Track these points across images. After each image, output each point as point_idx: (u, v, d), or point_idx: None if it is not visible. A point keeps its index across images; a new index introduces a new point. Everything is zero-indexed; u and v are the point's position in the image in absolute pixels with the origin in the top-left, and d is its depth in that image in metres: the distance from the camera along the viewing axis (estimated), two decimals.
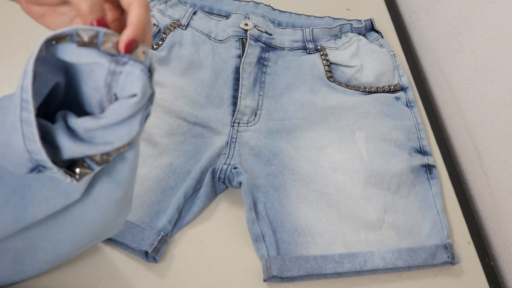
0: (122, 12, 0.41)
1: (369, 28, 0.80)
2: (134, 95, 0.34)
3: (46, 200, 0.42)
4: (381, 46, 0.78)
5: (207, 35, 0.73)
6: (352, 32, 0.78)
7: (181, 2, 0.76)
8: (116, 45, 0.35)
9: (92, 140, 0.37)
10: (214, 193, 0.61)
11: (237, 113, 0.66)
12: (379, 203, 0.61)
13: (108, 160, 0.39)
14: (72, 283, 0.53)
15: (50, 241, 0.47)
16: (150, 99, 0.36)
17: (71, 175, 0.38)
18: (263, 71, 0.72)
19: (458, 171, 0.71)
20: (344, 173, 0.63)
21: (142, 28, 0.35)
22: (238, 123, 0.66)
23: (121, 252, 0.56)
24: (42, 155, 0.35)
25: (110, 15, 0.41)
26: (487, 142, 0.67)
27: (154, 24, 0.72)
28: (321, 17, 0.79)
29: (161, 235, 0.55)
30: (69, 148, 0.37)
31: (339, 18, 0.80)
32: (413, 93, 0.75)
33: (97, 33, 0.35)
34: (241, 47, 0.72)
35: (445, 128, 0.78)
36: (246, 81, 0.69)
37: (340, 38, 0.77)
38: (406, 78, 0.75)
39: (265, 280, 0.55)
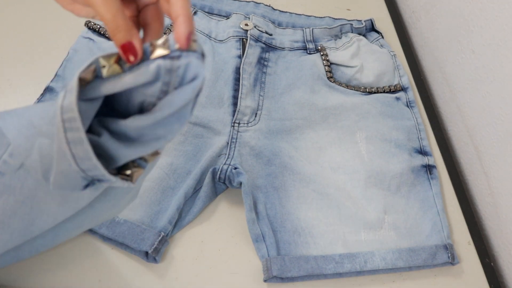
0: (137, 9, 0.41)
1: (370, 28, 0.80)
2: (193, 79, 0.33)
3: (54, 214, 0.41)
4: (381, 46, 0.78)
5: (207, 35, 0.73)
6: (352, 32, 0.78)
7: None
8: (164, 43, 0.34)
9: (142, 139, 0.35)
10: (215, 193, 0.61)
11: (238, 113, 0.66)
12: (379, 203, 0.61)
13: (157, 155, 0.38)
14: (72, 283, 0.53)
15: (53, 228, 0.46)
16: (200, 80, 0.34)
17: (126, 180, 0.37)
18: (263, 71, 0.72)
19: (458, 171, 0.71)
20: (344, 173, 0.63)
21: (191, 18, 0.35)
22: (239, 123, 0.66)
23: (121, 252, 0.56)
24: (99, 170, 0.34)
25: (128, 10, 0.41)
26: (487, 142, 0.67)
27: None
28: (321, 17, 0.79)
29: (161, 235, 0.55)
30: (124, 154, 0.36)
31: (339, 18, 0.80)
32: (414, 93, 0.75)
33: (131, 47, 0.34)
34: (241, 47, 0.72)
35: (445, 128, 0.78)
36: (246, 81, 0.69)
37: (340, 38, 0.77)
38: (407, 78, 0.75)
39: (265, 280, 0.55)
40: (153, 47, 0.34)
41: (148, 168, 0.38)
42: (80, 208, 0.41)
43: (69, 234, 0.47)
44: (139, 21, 0.41)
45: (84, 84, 0.33)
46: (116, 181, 0.36)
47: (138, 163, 0.38)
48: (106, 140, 0.35)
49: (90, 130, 0.36)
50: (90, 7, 0.39)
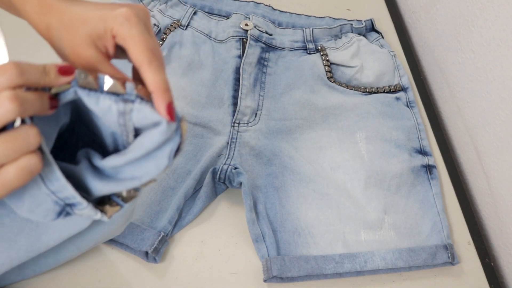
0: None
1: (370, 28, 0.80)
2: (158, 124, 0.34)
3: (59, 230, 0.42)
4: (381, 46, 0.78)
5: (207, 35, 0.73)
6: (352, 32, 0.78)
7: (181, 2, 0.76)
8: (139, 90, 0.35)
9: (119, 176, 0.36)
10: (214, 193, 0.61)
11: (237, 113, 0.66)
12: (379, 203, 0.61)
13: (135, 196, 0.38)
14: (72, 283, 0.53)
15: (55, 247, 0.47)
16: (177, 132, 0.35)
17: (101, 211, 0.38)
18: (263, 71, 0.72)
19: (458, 171, 0.71)
20: (344, 173, 0.63)
21: (164, 90, 0.35)
22: (239, 123, 0.66)
23: (121, 252, 0.56)
24: (68, 189, 0.35)
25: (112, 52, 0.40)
26: (487, 142, 0.67)
27: (154, 24, 0.72)
28: (321, 17, 0.79)
29: (161, 235, 0.55)
30: (97, 187, 0.36)
31: (339, 18, 0.80)
32: (414, 93, 0.75)
33: (99, 76, 0.35)
34: (241, 47, 0.72)
35: (445, 128, 0.78)
36: (246, 81, 0.69)
37: (340, 38, 0.77)
38: (407, 78, 0.75)
39: (265, 280, 0.55)
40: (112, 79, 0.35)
41: (127, 207, 0.39)
42: (85, 228, 0.42)
43: (70, 254, 0.49)
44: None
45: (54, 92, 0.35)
46: (87, 207, 0.36)
47: (116, 202, 0.38)
48: (82, 169, 0.36)
49: (73, 159, 0.37)
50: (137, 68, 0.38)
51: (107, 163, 0.35)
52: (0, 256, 0.42)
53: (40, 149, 0.33)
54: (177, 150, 0.35)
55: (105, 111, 0.34)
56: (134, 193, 0.38)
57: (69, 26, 0.39)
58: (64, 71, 0.35)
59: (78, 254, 0.50)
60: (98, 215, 0.38)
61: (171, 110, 0.34)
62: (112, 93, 0.34)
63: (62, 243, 0.46)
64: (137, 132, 0.36)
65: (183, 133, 0.35)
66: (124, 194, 0.38)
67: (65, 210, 0.37)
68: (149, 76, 0.35)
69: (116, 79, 0.35)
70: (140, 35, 0.37)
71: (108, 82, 0.34)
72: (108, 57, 0.39)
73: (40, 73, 0.34)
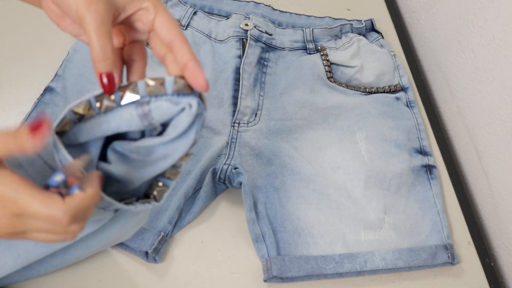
0: (123, 42, 0.42)
1: (370, 28, 0.80)
2: (183, 109, 0.36)
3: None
4: (381, 46, 0.78)
5: (207, 35, 0.73)
6: (352, 32, 0.78)
7: (181, 2, 0.76)
8: (133, 89, 0.37)
9: (152, 157, 0.38)
10: (215, 193, 0.61)
11: (237, 113, 0.66)
12: (379, 203, 0.61)
13: (177, 173, 0.41)
14: (72, 283, 0.53)
15: (64, 248, 0.47)
16: (202, 108, 0.37)
17: (148, 202, 0.40)
18: (263, 71, 0.72)
19: (458, 171, 0.71)
20: (344, 173, 0.63)
21: (199, 61, 0.37)
22: (239, 123, 0.66)
23: (121, 252, 0.56)
24: (115, 204, 0.38)
25: (116, 41, 0.41)
26: (487, 142, 0.67)
27: None
28: (321, 17, 0.79)
29: (161, 235, 0.55)
30: (136, 176, 0.39)
31: (339, 18, 0.80)
32: (413, 93, 0.75)
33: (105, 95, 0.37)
34: (241, 47, 0.72)
35: (445, 128, 0.78)
36: (246, 81, 0.69)
37: (340, 38, 0.77)
38: (406, 78, 0.75)
39: (265, 280, 0.55)
40: (123, 91, 0.36)
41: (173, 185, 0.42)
42: (98, 226, 0.43)
43: (78, 256, 0.49)
44: (123, 55, 0.42)
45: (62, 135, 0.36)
46: (137, 207, 0.40)
47: (163, 183, 0.41)
48: (116, 166, 0.38)
49: (104, 158, 0.40)
50: (79, 26, 0.39)
51: (142, 143, 0.37)
52: (17, 246, 0.43)
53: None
54: (203, 124, 0.37)
55: (129, 120, 0.36)
56: (176, 170, 0.41)
57: None
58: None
59: (85, 256, 0.50)
60: (149, 206, 0.40)
61: (207, 80, 0.36)
62: (129, 102, 0.37)
63: (73, 242, 0.47)
64: (164, 125, 0.38)
65: (205, 107, 0.37)
66: (168, 173, 0.41)
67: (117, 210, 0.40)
68: (187, 46, 0.37)
69: (125, 88, 0.37)
70: (168, 12, 0.39)
71: (125, 97, 0.37)
72: (113, 23, 0.39)
73: (92, 207, 0.35)
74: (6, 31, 0.74)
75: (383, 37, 0.79)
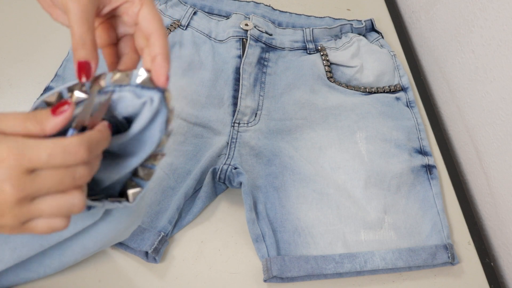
0: (116, 37, 0.42)
1: (369, 28, 0.80)
2: (144, 104, 0.36)
3: (74, 221, 0.44)
4: (381, 46, 0.78)
5: (207, 35, 0.73)
6: (352, 32, 0.78)
7: (181, 2, 0.76)
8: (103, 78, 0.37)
9: (124, 152, 0.39)
10: (215, 193, 0.61)
11: (237, 113, 0.66)
12: (379, 203, 0.61)
13: (151, 173, 0.41)
14: (72, 283, 0.53)
15: (60, 247, 0.48)
16: (163, 104, 0.37)
17: (119, 201, 0.40)
18: (263, 71, 0.72)
19: (458, 171, 0.71)
20: (344, 173, 0.63)
21: (169, 57, 0.38)
22: (239, 123, 0.66)
23: (121, 252, 0.56)
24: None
25: (103, 38, 0.42)
26: (487, 142, 0.67)
27: None
28: (321, 17, 0.79)
29: (161, 235, 0.55)
30: (105, 177, 0.39)
31: (339, 18, 0.80)
32: (413, 93, 0.75)
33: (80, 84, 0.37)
34: (241, 47, 0.72)
35: (445, 128, 0.78)
36: (246, 81, 0.69)
37: (340, 38, 0.77)
38: (406, 78, 0.75)
39: (265, 280, 0.55)
40: (94, 82, 0.37)
41: (147, 187, 0.42)
42: (97, 219, 0.44)
43: (75, 256, 0.49)
44: (117, 51, 0.42)
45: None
46: (104, 206, 0.40)
47: (134, 181, 0.41)
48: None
49: None
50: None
51: (114, 140, 0.37)
52: (14, 239, 0.43)
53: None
54: (168, 122, 0.37)
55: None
56: (148, 170, 0.41)
57: None
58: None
59: (83, 258, 0.50)
60: (117, 204, 0.40)
61: (168, 80, 0.37)
62: (96, 92, 0.37)
63: (68, 242, 0.47)
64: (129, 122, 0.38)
65: (168, 104, 0.37)
66: (141, 173, 0.40)
67: (90, 207, 0.39)
68: (161, 41, 0.38)
69: (97, 78, 0.37)
70: (153, 6, 0.40)
71: (93, 87, 0.37)
72: (97, 15, 0.40)
73: (103, 145, 0.35)
74: (6, 31, 0.74)
75: (383, 37, 0.79)
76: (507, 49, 0.62)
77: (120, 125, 0.39)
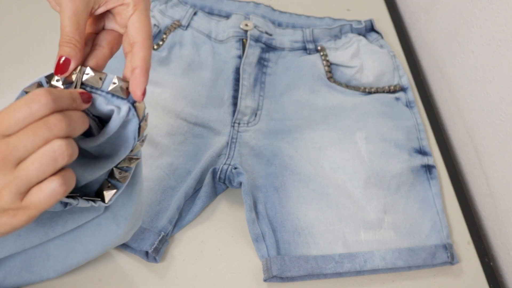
0: (102, 28, 0.43)
1: (369, 29, 0.80)
2: (115, 110, 0.37)
3: (77, 213, 0.45)
4: (381, 46, 0.78)
5: (207, 35, 0.73)
6: (352, 32, 0.78)
7: (181, 3, 0.76)
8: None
9: (100, 155, 0.40)
10: (215, 193, 0.61)
11: (237, 114, 0.66)
12: (379, 203, 0.61)
13: (126, 176, 0.42)
14: (72, 283, 0.53)
15: (63, 248, 0.48)
16: (133, 114, 0.38)
17: (93, 201, 0.41)
18: (263, 71, 0.72)
19: (458, 171, 0.71)
20: (344, 173, 0.63)
21: (148, 71, 0.38)
22: (239, 123, 0.66)
23: (121, 252, 0.56)
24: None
25: (91, 26, 0.43)
26: (487, 142, 0.67)
27: (154, 25, 0.72)
28: (321, 18, 0.79)
29: (161, 235, 0.55)
30: (81, 177, 0.40)
31: (339, 19, 0.80)
32: (413, 94, 0.75)
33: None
34: (241, 47, 0.72)
35: (445, 128, 0.78)
36: (246, 81, 0.69)
37: (340, 38, 0.77)
38: (406, 78, 0.75)
39: (265, 280, 0.55)
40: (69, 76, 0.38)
41: (121, 189, 0.43)
42: (98, 214, 0.45)
43: (78, 259, 0.50)
44: (94, 39, 0.43)
45: None
46: (79, 202, 0.40)
47: (110, 182, 0.42)
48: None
49: None
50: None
51: (89, 143, 0.39)
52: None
53: None
54: (140, 130, 0.39)
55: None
56: (123, 173, 0.42)
57: None
58: (86, 99, 0.37)
59: (85, 261, 0.50)
60: (91, 203, 0.41)
61: (145, 92, 0.38)
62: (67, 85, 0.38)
63: (71, 245, 0.48)
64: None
65: (139, 114, 0.38)
66: (117, 175, 0.42)
67: (67, 204, 0.40)
68: (144, 52, 0.38)
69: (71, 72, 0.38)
70: (146, 13, 0.40)
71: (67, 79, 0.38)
72: (90, 14, 0.40)
73: (70, 99, 0.35)
74: (6, 31, 0.74)
75: (383, 37, 0.80)
76: (507, 49, 0.62)
77: (91, 121, 0.39)
